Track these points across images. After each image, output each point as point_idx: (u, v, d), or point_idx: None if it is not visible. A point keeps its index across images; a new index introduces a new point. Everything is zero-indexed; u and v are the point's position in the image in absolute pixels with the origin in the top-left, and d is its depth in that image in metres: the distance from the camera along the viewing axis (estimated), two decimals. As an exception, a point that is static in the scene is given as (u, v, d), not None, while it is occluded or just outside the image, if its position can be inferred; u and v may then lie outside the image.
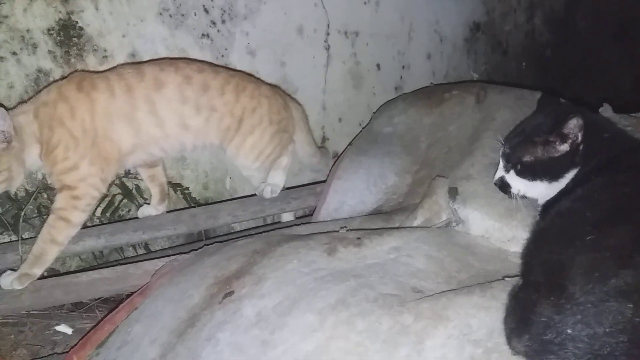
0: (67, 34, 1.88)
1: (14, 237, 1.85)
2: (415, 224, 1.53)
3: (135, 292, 1.48)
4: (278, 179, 2.00)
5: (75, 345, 1.31)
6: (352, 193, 1.84)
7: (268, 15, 2.32)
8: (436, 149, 1.88)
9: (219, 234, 2.23)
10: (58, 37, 1.87)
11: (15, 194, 1.85)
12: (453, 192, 1.50)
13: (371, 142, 2.01)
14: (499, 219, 1.41)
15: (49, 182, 1.79)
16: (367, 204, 1.83)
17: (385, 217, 1.64)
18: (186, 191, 2.17)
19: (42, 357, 1.44)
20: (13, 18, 1.78)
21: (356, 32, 2.63)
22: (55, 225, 1.57)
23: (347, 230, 1.43)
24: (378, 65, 2.75)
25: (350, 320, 1.01)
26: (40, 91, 1.70)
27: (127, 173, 2.08)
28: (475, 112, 1.89)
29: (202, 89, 1.74)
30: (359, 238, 1.33)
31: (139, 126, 1.67)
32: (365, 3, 2.64)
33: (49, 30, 1.85)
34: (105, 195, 2.03)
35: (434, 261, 1.26)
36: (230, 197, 2.36)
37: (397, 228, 1.47)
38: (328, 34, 2.53)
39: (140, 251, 2.07)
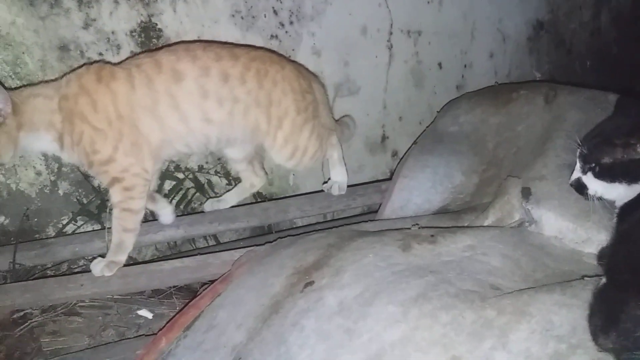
0: (148, 35, 2.01)
1: (96, 226, 2.00)
2: (486, 224, 1.55)
3: (215, 280, 1.58)
4: (341, 175, 2.05)
5: (163, 327, 1.41)
6: (418, 191, 1.88)
7: (333, 16, 2.39)
8: (504, 148, 1.89)
9: (282, 229, 2.31)
10: (139, 39, 2.00)
11: (99, 185, 1.99)
12: (526, 193, 1.51)
13: (436, 141, 2.04)
14: (573, 220, 1.41)
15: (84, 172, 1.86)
16: (433, 202, 1.86)
17: (454, 216, 1.67)
18: (253, 187, 2.26)
19: (129, 338, 1.56)
20: (100, 21, 1.91)
21: (419, 31, 2.66)
22: (121, 216, 1.64)
23: (419, 228, 1.47)
24: (440, 64, 2.77)
25: (433, 313, 1.05)
26: (62, 76, 1.68)
27: (200, 168, 2.20)
28: (545, 112, 1.89)
29: (222, 79, 1.65)
30: (432, 235, 1.37)
31: (163, 121, 1.63)
32: (428, 2, 2.66)
33: (131, 32, 1.98)
34: (180, 189, 2.16)
35: (510, 260, 1.28)
36: (293, 193, 2.45)
37: (470, 227, 1.49)
38: (391, 33, 2.57)
39: (211, 242, 2.18)
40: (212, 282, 1.69)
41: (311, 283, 1.28)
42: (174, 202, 2.15)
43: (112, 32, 1.94)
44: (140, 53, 1.84)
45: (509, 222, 1.51)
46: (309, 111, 1.85)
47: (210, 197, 2.20)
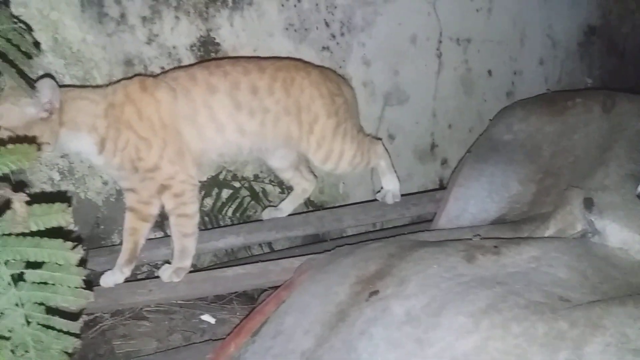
0: (207, 49, 2.09)
1: (159, 234, 2.09)
2: (547, 234, 1.55)
3: (276, 286, 1.64)
4: (392, 183, 2.07)
5: (231, 332, 1.47)
6: (474, 201, 1.89)
7: (383, 26, 2.42)
8: (561, 157, 1.88)
9: (332, 237, 2.36)
10: (199, 53, 2.08)
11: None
12: (589, 203, 1.50)
13: (491, 150, 2.04)
14: (639, 231, 1.40)
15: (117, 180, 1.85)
16: (490, 212, 1.86)
17: (514, 227, 1.67)
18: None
19: (196, 342, 1.63)
20: (162, 36, 2.01)
21: (468, 39, 2.66)
22: (179, 223, 1.69)
23: (481, 239, 1.48)
24: (489, 72, 2.76)
25: (505, 324, 1.07)
26: (108, 84, 1.74)
27: (256, 177, 2.27)
28: (603, 121, 1.87)
29: (252, 91, 1.71)
30: (496, 246, 1.38)
31: (202, 130, 1.68)
32: (477, 10, 2.66)
33: (191, 46, 2.07)
34: (236, 197, 2.23)
35: (576, 272, 1.29)
36: (343, 201, 2.49)
37: (533, 238, 1.50)
38: (440, 42, 2.59)
39: (264, 249, 2.25)
40: (273, 288, 1.76)
41: (376, 292, 1.31)
42: (231, 209, 2.22)
43: (174, 47, 2.03)
44: (172, 69, 1.90)
45: (571, 233, 1.51)
46: (340, 114, 1.86)
47: (264, 205, 2.26)
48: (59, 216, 0.89)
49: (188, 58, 2.06)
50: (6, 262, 0.89)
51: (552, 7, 2.89)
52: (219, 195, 2.21)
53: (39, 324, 0.93)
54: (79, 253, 0.92)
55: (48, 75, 1.58)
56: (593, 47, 3.14)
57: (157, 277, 1.70)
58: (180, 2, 2.00)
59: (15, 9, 1.75)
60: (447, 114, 2.68)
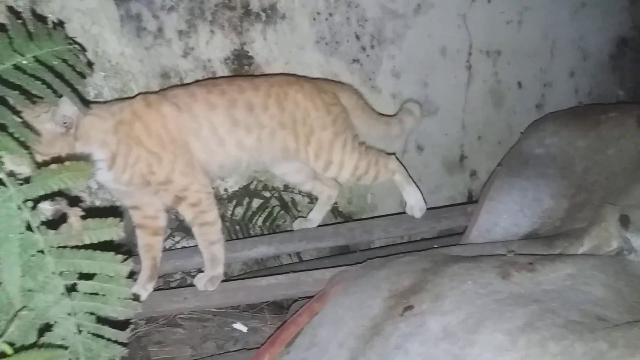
0: (240, 62, 2.14)
1: (192, 242, 2.13)
2: (580, 251, 1.54)
3: (307, 297, 1.66)
4: (414, 196, 2.04)
5: (265, 342, 1.49)
6: (506, 215, 1.88)
7: (413, 38, 2.44)
8: (594, 173, 1.87)
9: (360, 249, 2.37)
10: (232, 66, 2.13)
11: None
12: (625, 220, 1.49)
13: (522, 164, 2.03)
14: (677, 250, 1.39)
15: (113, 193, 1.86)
16: (521, 227, 1.86)
17: (547, 242, 1.66)
18: (334, 205, 2.33)
19: (231, 351, 1.66)
20: (198, 50, 2.06)
21: (498, 51, 2.66)
22: (202, 232, 1.72)
23: (515, 255, 1.48)
24: (519, 84, 2.75)
25: (542, 342, 1.07)
26: (114, 100, 1.79)
27: (286, 187, 2.30)
28: (637, 136, 1.85)
29: (248, 109, 1.75)
30: (530, 263, 1.38)
31: (206, 143, 1.72)
32: (507, 23, 2.65)
33: (225, 59, 2.11)
34: (266, 207, 2.27)
35: (613, 290, 1.28)
36: (371, 212, 2.50)
37: (568, 255, 1.49)
38: (470, 54, 2.59)
39: (291, 259, 2.28)
40: (304, 298, 1.78)
41: (410, 307, 1.32)
42: (261, 219, 2.26)
43: (208, 60, 2.08)
44: (169, 87, 1.90)
45: (606, 251, 1.50)
46: (337, 124, 1.87)
47: (293, 215, 2.29)
48: (112, 230, 0.93)
49: (222, 71, 2.11)
50: (61, 273, 0.93)
51: (584, 18, 2.87)
52: (249, 204, 2.25)
53: (89, 333, 0.97)
54: (128, 266, 0.96)
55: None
56: (625, 59, 3.10)
57: (191, 285, 1.74)
58: (216, 16, 2.05)
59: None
60: (477, 125, 2.68)
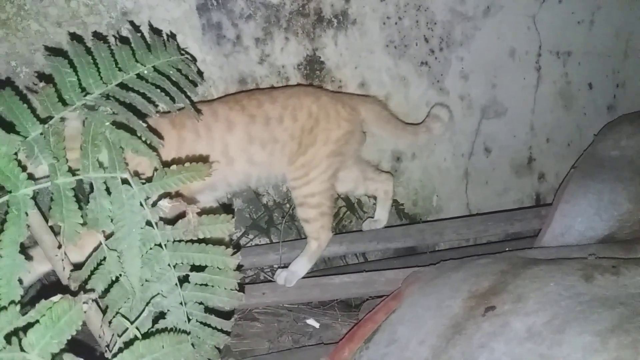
0: (312, 67, 2.21)
1: (264, 240, 2.23)
2: (665, 256, 1.52)
3: (379, 296, 1.72)
4: (300, 267, 1.88)
5: (343, 338, 1.56)
6: (581, 218, 1.87)
7: (482, 40, 2.44)
8: (676, 176, 1.83)
9: (423, 251, 2.39)
10: (305, 71, 2.21)
11: (266, 203, 2.22)
12: None
13: (597, 166, 2.01)
14: None
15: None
16: (597, 230, 1.84)
17: (626, 246, 1.65)
18: (400, 207, 2.37)
19: (309, 345, 1.73)
20: (273, 56, 2.15)
21: (568, 51, 2.62)
22: None
23: (597, 258, 1.48)
24: (590, 85, 2.70)
25: (635, 345, 1.08)
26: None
27: (353, 189, 2.35)
28: None
29: (265, 123, 1.74)
30: (614, 266, 1.38)
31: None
32: (579, 23, 2.61)
33: (298, 65, 2.19)
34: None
35: None
36: (436, 214, 2.52)
37: (655, 259, 1.48)
38: (539, 55, 2.57)
39: (357, 259, 2.33)
40: (375, 297, 1.83)
41: (492, 308, 1.35)
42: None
43: (282, 66, 2.17)
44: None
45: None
46: (339, 143, 1.82)
47: (359, 216, 2.35)
48: (224, 226, 1.01)
49: (295, 76, 2.19)
50: (175, 266, 1.03)
51: (659, 16, 2.78)
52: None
53: (197, 321, 1.06)
54: (237, 259, 1.04)
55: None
56: None
57: (267, 281, 1.83)
58: (290, 23, 2.13)
59: (146, 34, 1.96)
60: (546, 127, 2.65)
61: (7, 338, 0.68)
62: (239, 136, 1.72)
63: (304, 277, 1.83)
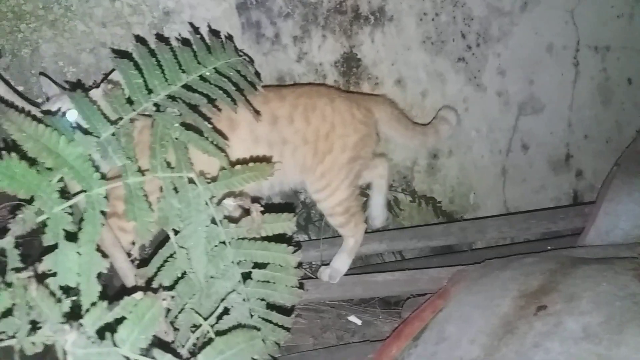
0: (349, 64, 2.22)
1: (302, 237, 2.25)
2: None
3: (421, 294, 1.74)
4: (340, 264, 1.87)
5: (390, 335, 1.58)
6: (626, 216, 1.85)
7: (519, 36, 2.43)
8: None
9: (462, 249, 2.39)
10: (342, 68, 2.22)
11: (304, 200, 2.24)
12: None
13: (642, 164, 1.99)
14: None
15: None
16: (644, 228, 1.82)
17: (677, 246, 1.63)
18: (437, 204, 2.37)
19: (354, 342, 1.75)
20: (310, 54, 2.16)
21: (607, 46, 2.59)
22: None
23: (648, 257, 1.47)
24: (629, 80, 2.66)
25: (698, 346, 1.08)
26: None
27: (390, 187, 2.36)
28: None
29: (271, 122, 1.62)
30: (668, 266, 1.37)
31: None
32: (618, 17, 2.58)
33: (335, 62, 2.21)
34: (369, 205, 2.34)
35: None
36: (473, 212, 2.52)
37: None
38: (577, 50, 2.54)
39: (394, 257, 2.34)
40: (417, 295, 1.84)
41: (544, 307, 1.35)
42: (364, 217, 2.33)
43: (320, 64, 2.18)
44: None
45: None
46: (357, 149, 1.75)
47: (396, 213, 2.35)
48: (285, 224, 1.03)
49: (332, 73, 2.21)
50: (238, 263, 1.05)
51: (702, 9, 2.72)
52: (354, 202, 2.33)
53: (260, 317, 1.09)
54: (298, 257, 1.06)
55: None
56: None
57: (309, 278, 1.85)
58: (328, 21, 2.15)
59: (187, 33, 1.99)
60: (583, 123, 2.62)
61: (99, 334, 0.71)
62: (242, 136, 1.58)
63: (345, 274, 1.84)
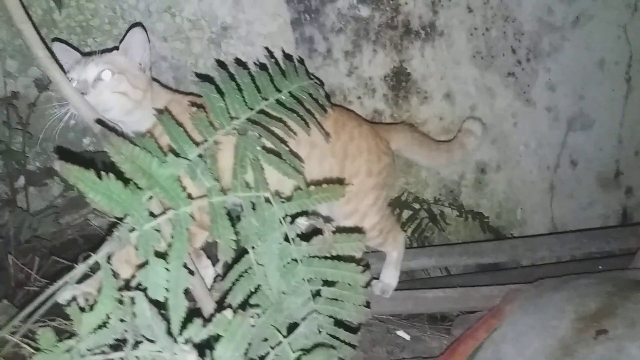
0: (398, 79, 2.26)
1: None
2: None
3: (471, 312, 1.75)
4: (390, 279, 1.88)
5: (444, 353, 1.60)
6: (684, 239, 1.83)
7: (570, 51, 2.43)
8: None
9: (508, 267, 2.39)
10: (391, 82, 2.26)
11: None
12: None
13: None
14: None
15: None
16: (703, 251, 1.80)
17: None
18: (485, 220, 2.38)
19: (403, 358, 1.77)
20: (361, 68, 2.21)
21: (661, 62, 2.55)
22: None
23: None
24: (683, 96, 2.62)
25: None
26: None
27: (436, 200, 2.39)
28: None
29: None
30: None
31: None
32: (674, 30, 2.54)
33: (385, 77, 2.24)
34: (415, 218, 2.36)
35: None
36: (520, 228, 2.52)
37: None
38: (630, 65, 2.52)
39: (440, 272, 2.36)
40: (465, 313, 1.86)
41: (604, 331, 1.36)
42: (410, 230, 2.36)
43: (369, 78, 2.23)
44: None
45: None
46: (381, 176, 1.75)
47: (442, 227, 2.37)
48: (355, 245, 1.08)
49: (381, 88, 2.25)
50: (309, 280, 1.09)
51: None
52: (399, 215, 2.36)
53: (327, 334, 1.13)
54: (367, 276, 1.10)
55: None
56: None
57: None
58: (379, 36, 2.19)
59: (244, 47, 2.06)
60: (634, 140, 2.60)
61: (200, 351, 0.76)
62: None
63: (396, 290, 1.87)
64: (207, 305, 1.19)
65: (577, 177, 2.55)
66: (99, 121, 1.19)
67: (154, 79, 1.64)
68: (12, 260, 1.49)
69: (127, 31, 1.57)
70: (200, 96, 1.15)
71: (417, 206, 2.38)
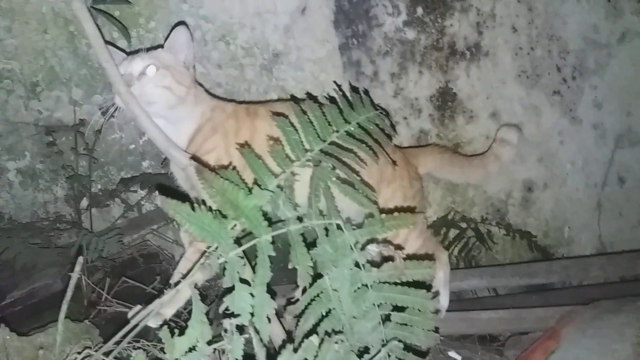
0: (444, 99, 2.30)
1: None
2: None
3: (522, 333, 1.76)
4: (444, 301, 1.83)
5: (501, 375, 1.61)
6: None
7: (616, 68, 2.44)
8: None
9: (550, 288, 2.38)
10: (437, 102, 2.30)
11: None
12: None
13: None
14: None
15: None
16: None
17: None
18: (533, 239, 2.39)
19: (459, 379, 1.79)
20: (406, 90, 2.26)
21: None
22: None
23: None
24: None
25: None
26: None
27: (483, 219, 2.40)
28: None
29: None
30: None
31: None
32: None
33: (430, 97, 2.29)
34: (462, 237, 2.38)
35: None
36: (567, 246, 2.51)
37: None
38: (679, 81, 2.51)
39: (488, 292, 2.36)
40: (517, 334, 1.87)
41: (668, 355, 1.36)
42: (457, 249, 2.38)
43: (415, 99, 2.28)
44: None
45: None
46: (415, 201, 1.78)
47: (489, 246, 2.38)
48: (425, 272, 1.12)
49: (427, 108, 2.29)
50: (379, 305, 1.14)
51: None
52: (446, 234, 2.38)
53: (396, 358, 1.17)
54: (436, 302, 1.14)
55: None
56: None
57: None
58: (424, 57, 2.24)
59: (294, 73, 2.13)
60: (684, 157, 2.57)
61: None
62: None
63: (447, 310, 1.89)
64: (275, 329, 1.25)
65: (625, 194, 2.54)
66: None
67: (199, 84, 1.73)
68: (85, 280, 1.58)
69: (171, 30, 1.64)
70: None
71: (464, 225, 2.40)
